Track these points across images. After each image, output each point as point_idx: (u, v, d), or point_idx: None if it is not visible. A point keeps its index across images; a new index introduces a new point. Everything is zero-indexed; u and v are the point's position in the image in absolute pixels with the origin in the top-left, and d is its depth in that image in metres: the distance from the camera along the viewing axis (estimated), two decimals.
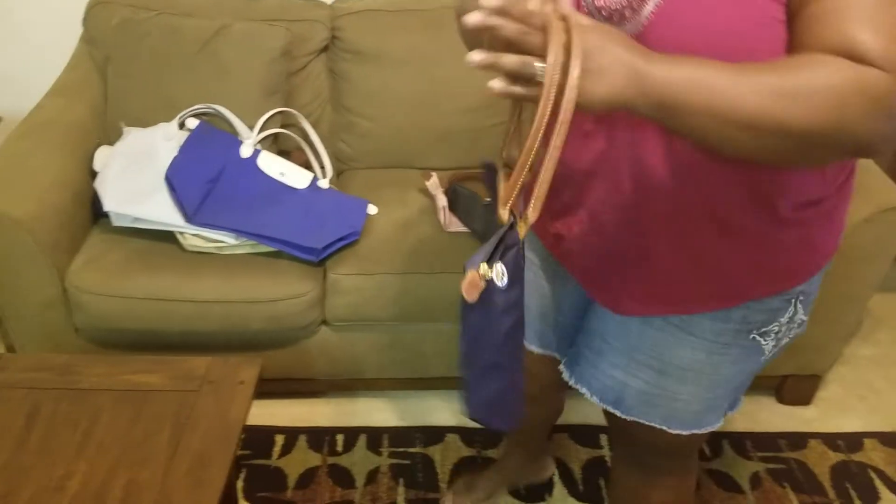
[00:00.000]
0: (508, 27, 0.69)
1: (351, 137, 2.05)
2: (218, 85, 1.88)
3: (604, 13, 0.85)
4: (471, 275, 0.80)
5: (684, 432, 1.10)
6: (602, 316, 1.09)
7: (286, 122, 1.97)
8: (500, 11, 0.68)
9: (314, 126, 2.00)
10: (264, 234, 1.67)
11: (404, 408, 1.93)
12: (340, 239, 1.71)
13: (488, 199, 1.75)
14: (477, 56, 0.69)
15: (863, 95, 0.69)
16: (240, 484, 1.71)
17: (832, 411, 1.97)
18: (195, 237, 1.67)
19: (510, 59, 0.69)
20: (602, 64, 0.68)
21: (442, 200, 1.82)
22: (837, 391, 2.02)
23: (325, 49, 2.03)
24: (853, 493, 1.75)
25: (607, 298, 1.06)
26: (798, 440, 1.88)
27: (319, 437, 1.83)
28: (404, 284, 1.72)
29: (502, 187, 0.81)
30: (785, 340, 1.05)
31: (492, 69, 0.70)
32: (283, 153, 1.94)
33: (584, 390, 1.14)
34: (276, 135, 1.92)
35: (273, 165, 1.81)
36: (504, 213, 0.80)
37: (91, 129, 1.89)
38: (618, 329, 1.07)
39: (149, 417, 1.20)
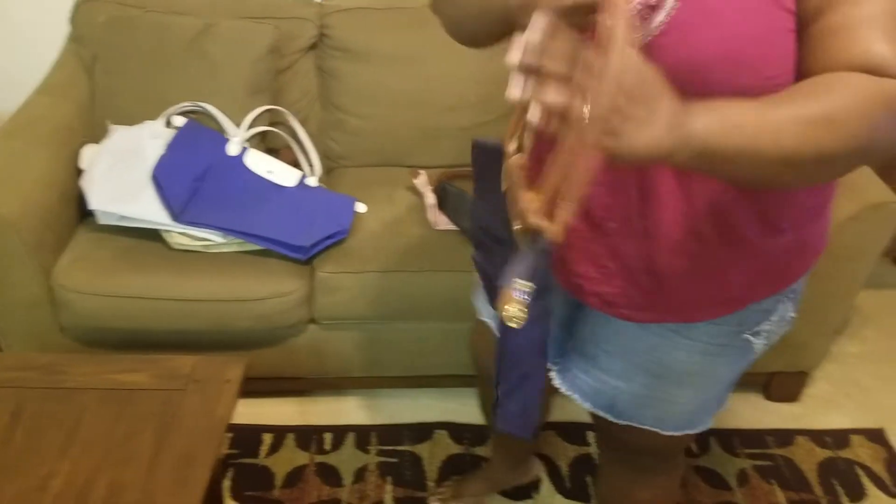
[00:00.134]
0: (553, 66, 0.63)
1: (340, 135, 2.05)
2: (205, 83, 1.87)
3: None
4: (506, 294, 0.79)
5: (677, 433, 1.11)
6: (594, 322, 1.08)
7: (275, 119, 1.96)
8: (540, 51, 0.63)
9: (303, 124, 2.00)
10: (251, 233, 1.66)
11: (393, 406, 1.93)
12: (328, 237, 1.71)
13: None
14: (515, 92, 0.64)
15: (889, 109, 0.70)
16: (227, 483, 1.70)
17: (820, 408, 1.98)
18: (181, 235, 1.67)
19: (555, 97, 0.63)
20: (651, 115, 0.64)
21: (430, 199, 1.82)
22: (825, 388, 2.03)
23: (313, 47, 2.03)
24: (840, 490, 1.76)
25: (603, 304, 1.04)
26: (785, 437, 1.89)
27: (307, 436, 1.83)
28: (392, 283, 1.72)
29: (524, 198, 0.76)
30: (775, 337, 1.06)
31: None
32: (272, 151, 1.94)
33: (576, 396, 1.13)
34: (264, 133, 1.92)
35: (261, 163, 1.80)
36: (533, 218, 0.75)
37: (78, 127, 1.88)
38: (613, 334, 1.06)
39: (133, 416, 1.20)
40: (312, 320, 1.77)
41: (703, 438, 1.86)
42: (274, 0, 2.01)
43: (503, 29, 0.82)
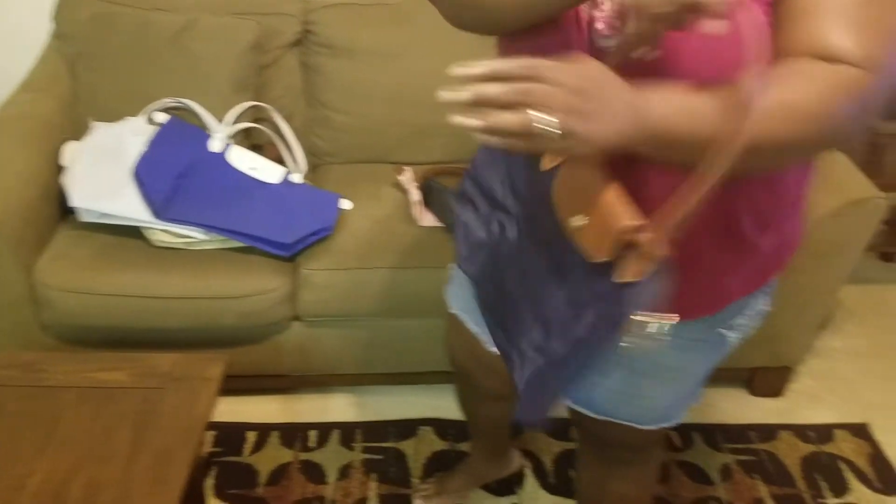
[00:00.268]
0: (504, 92, 0.65)
1: (325, 132, 2.04)
2: (188, 79, 1.86)
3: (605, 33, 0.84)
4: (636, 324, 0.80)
5: (653, 427, 1.11)
6: None
7: (259, 116, 1.96)
8: (490, 77, 0.65)
9: (288, 120, 1.99)
10: (234, 230, 1.66)
11: (378, 403, 1.93)
12: (312, 234, 1.70)
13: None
14: (470, 122, 0.66)
15: (847, 96, 0.71)
16: (210, 481, 1.70)
17: (803, 403, 1.99)
18: (163, 233, 1.66)
19: (510, 120, 0.64)
20: (608, 106, 0.67)
21: (416, 195, 1.82)
22: (809, 383, 2.04)
23: (297, 43, 2.02)
24: (823, 485, 1.77)
25: None
26: (768, 432, 1.89)
27: (292, 434, 1.83)
28: (377, 279, 1.71)
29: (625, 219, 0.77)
30: (749, 331, 1.06)
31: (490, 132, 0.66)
32: (256, 148, 1.93)
33: None
34: (248, 129, 1.91)
35: (244, 160, 1.80)
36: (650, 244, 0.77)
37: (60, 124, 1.87)
38: None
39: (112, 415, 1.19)
40: (296, 317, 1.77)
41: (686, 433, 1.87)
42: None
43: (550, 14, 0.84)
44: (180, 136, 1.78)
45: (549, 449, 1.82)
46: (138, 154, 1.71)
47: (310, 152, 2.03)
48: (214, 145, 1.78)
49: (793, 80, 0.71)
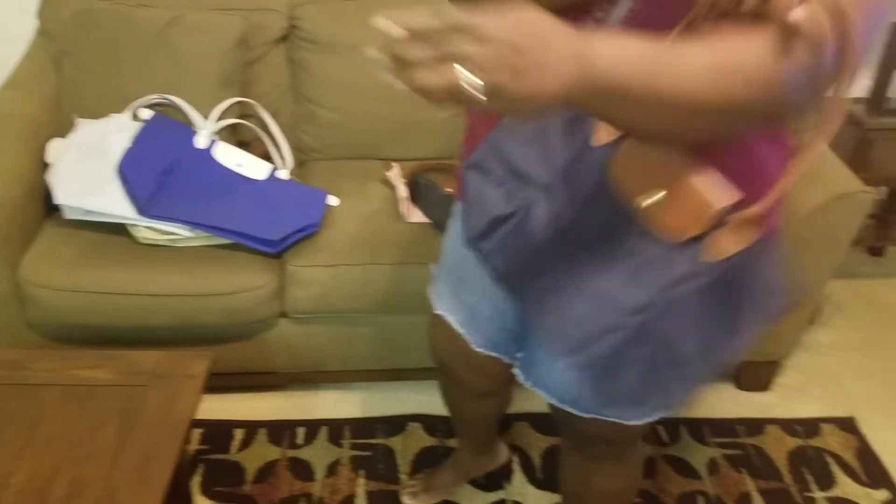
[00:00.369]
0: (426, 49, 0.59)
1: (312, 128, 2.04)
2: (173, 75, 1.85)
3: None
4: None
5: (639, 423, 1.11)
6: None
7: (245, 112, 1.95)
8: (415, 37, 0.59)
9: (274, 116, 1.98)
10: (220, 226, 1.65)
11: (367, 399, 1.93)
12: (299, 230, 1.69)
13: (449, 190, 1.74)
14: (396, 82, 0.61)
15: (799, 68, 0.67)
16: (197, 479, 1.69)
17: (791, 397, 1.99)
18: (148, 230, 1.65)
19: (434, 81, 0.59)
20: (547, 58, 0.60)
21: (403, 191, 1.82)
22: (796, 377, 2.04)
23: (284, 38, 2.01)
24: (810, 478, 1.78)
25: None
26: (756, 426, 1.90)
27: (280, 431, 1.82)
28: (365, 276, 1.71)
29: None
30: None
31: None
32: (243, 144, 1.92)
33: (541, 393, 1.12)
34: (234, 125, 1.90)
35: (230, 156, 1.79)
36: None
37: (44, 121, 1.86)
38: None
39: (96, 413, 1.19)
40: (284, 314, 1.76)
41: (673, 428, 1.87)
42: None
43: None
44: (165, 132, 1.77)
45: (537, 444, 1.82)
46: (123, 151, 1.70)
47: (297, 148, 2.03)
48: (200, 142, 1.77)
49: (750, 41, 0.68)
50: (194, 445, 1.77)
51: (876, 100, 2.21)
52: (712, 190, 0.77)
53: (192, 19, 1.87)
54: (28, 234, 1.69)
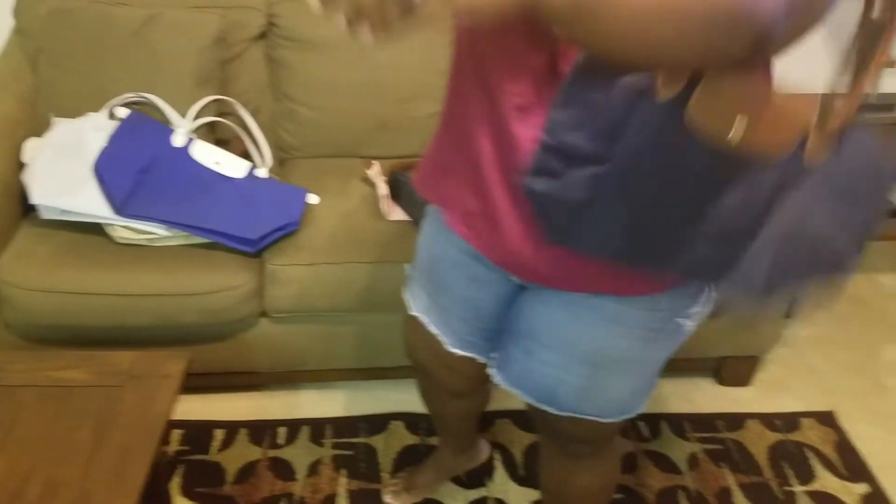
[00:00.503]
0: None
1: (292, 126, 2.03)
2: (150, 73, 1.84)
3: None
4: None
5: (615, 420, 1.11)
6: (528, 315, 1.07)
7: (224, 110, 1.93)
8: None
9: (254, 114, 1.97)
10: (197, 225, 1.64)
11: (348, 398, 1.92)
12: (278, 229, 1.69)
13: None
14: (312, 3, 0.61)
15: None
16: (177, 480, 1.68)
17: (770, 391, 2.01)
18: (125, 229, 1.64)
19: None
20: None
21: (383, 189, 1.81)
22: (776, 371, 2.06)
23: (262, 36, 2.00)
24: (789, 472, 1.79)
25: (543, 279, 1.01)
26: (736, 420, 1.91)
27: (260, 431, 1.82)
28: (345, 274, 1.70)
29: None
30: (701, 318, 1.06)
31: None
32: (222, 142, 1.91)
33: (517, 391, 1.12)
34: (213, 124, 1.89)
35: (208, 154, 1.78)
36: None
37: (21, 120, 1.84)
38: (548, 327, 1.05)
39: (71, 414, 1.18)
40: (263, 314, 1.76)
41: (654, 422, 1.88)
42: None
43: None
44: (142, 130, 1.76)
45: (519, 440, 1.82)
46: (99, 150, 1.69)
47: (277, 146, 2.02)
48: (177, 140, 1.76)
49: None
50: (174, 446, 1.76)
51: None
52: (796, 102, 0.76)
53: (169, 17, 1.85)
54: (4, 234, 1.68)
